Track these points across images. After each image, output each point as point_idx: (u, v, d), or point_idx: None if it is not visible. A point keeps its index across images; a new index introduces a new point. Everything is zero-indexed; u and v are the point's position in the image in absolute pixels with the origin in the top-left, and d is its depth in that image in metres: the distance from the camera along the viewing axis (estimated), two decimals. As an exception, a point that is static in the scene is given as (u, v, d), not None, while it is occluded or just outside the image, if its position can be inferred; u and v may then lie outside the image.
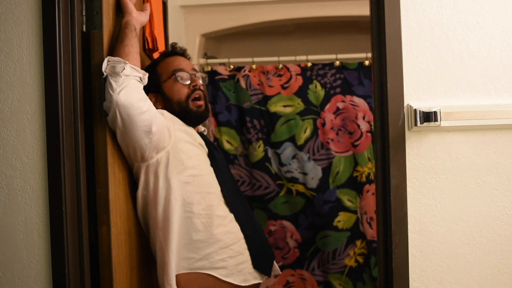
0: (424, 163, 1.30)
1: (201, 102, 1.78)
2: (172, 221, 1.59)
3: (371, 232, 2.91)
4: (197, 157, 1.70)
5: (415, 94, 1.30)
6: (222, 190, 1.71)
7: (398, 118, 1.29)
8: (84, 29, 1.48)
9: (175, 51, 1.88)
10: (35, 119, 1.39)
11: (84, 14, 1.48)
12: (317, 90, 3.01)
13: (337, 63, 3.00)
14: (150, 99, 1.64)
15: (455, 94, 1.31)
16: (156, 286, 1.69)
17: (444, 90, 1.31)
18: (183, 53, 1.89)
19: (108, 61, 1.47)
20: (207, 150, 1.77)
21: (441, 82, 1.31)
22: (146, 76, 1.56)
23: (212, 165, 1.74)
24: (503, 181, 1.31)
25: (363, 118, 2.98)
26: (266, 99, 3.02)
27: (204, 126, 1.93)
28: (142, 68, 1.60)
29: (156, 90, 1.77)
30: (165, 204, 1.61)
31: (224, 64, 3.17)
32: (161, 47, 2.15)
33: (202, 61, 3.29)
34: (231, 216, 1.70)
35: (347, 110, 2.99)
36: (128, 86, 1.46)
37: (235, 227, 1.70)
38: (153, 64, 1.84)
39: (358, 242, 2.94)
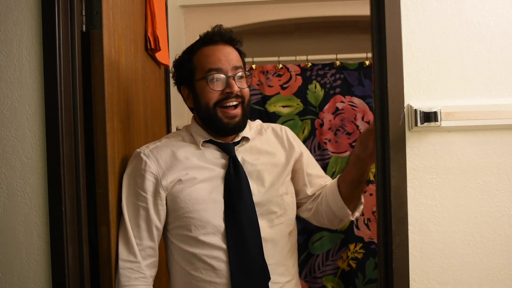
0: (425, 163, 1.30)
1: (235, 112, 1.49)
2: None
3: (368, 233, 2.90)
4: (200, 192, 1.49)
5: (416, 94, 1.30)
6: (226, 229, 1.48)
7: (398, 118, 1.29)
8: (84, 29, 1.48)
9: (215, 37, 1.53)
10: (35, 119, 1.39)
11: (84, 14, 1.47)
12: (316, 91, 3.01)
13: (337, 63, 3.00)
14: (183, 92, 1.58)
15: (456, 94, 1.31)
16: (158, 286, 1.68)
17: (445, 90, 1.31)
18: (227, 38, 1.54)
19: None
20: (223, 170, 1.51)
21: (442, 82, 1.31)
22: None
23: (225, 193, 1.50)
24: (504, 181, 1.31)
25: (362, 118, 2.98)
26: (265, 99, 3.02)
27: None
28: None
29: (189, 85, 1.55)
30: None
31: (223, 64, 3.16)
32: (164, 46, 2.15)
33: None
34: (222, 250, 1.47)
35: (346, 110, 2.99)
36: None
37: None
38: (190, 51, 1.56)
39: (352, 246, 2.93)
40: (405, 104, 1.29)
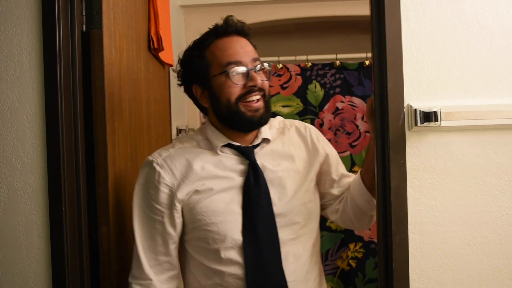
0: (425, 163, 1.30)
1: (258, 105, 1.38)
2: None
3: (368, 233, 2.91)
4: (217, 204, 1.39)
5: (415, 94, 1.30)
6: (243, 242, 1.38)
7: (398, 118, 1.29)
8: (84, 29, 1.48)
9: (229, 28, 1.41)
10: (35, 119, 1.39)
11: (84, 14, 1.48)
12: (316, 91, 3.01)
13: (337, 63, 3.00)
14: (195, 92, 1.44)
15: (456, 94, 1.31)
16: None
17: (445, 90, 1.31)
18: (240, 30, 1.43)
19: None
20: (242, 179, 1.41)
21: (441, 82, 1.31)
22: None
23: (243, 203, 1.40)
24: (504, 181, 1.31)
25: (362, 118, 2.99)
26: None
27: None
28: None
29: (203, 82, 1.42)
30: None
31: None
32: (167, 46, 2.14)
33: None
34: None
35: (346, 110, 2.99)
36: None
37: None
38: (200, 44, 1.43)
39: (352, 246, 2.93)
40: (405, 104, 1.29)
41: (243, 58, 1.37)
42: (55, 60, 1.37)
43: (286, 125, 1.55)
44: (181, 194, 1.38)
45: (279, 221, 1.40)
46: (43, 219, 1.39)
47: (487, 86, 1.31)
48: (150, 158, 1.43)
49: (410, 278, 1.30)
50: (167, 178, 1.38)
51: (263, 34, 3.42)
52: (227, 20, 1.41)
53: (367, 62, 2.96)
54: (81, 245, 1.42)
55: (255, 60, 1.39)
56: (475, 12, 1.30)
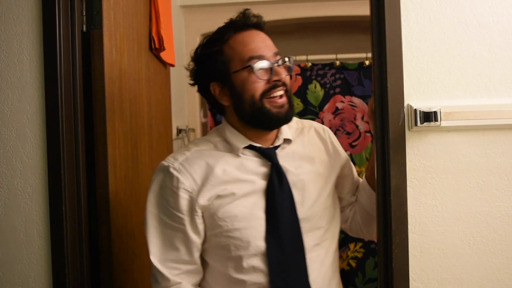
0: (424, 163, 1.30)
1: (283, 101, 1.32)
2: None
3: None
4: (240, 209, 1.31)
5: (415, 94, 1.30)
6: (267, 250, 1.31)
7: (398, 118, 1.29)
8: (84, 29, 1.48)
9: (248, 22, 1.35)
10: (35, 119, 1.39)
11: (84, 14, 1.48)
12: (316, 91, 3.01)
13: (337, 63, 3.01)
14: (213, 90, 1.35)
15: (455, 94, 1.31)
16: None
17: (444, 90, 1.31)
18: (259, 23, 1.36)
19: None
20: (264, 182, 1.33)
21: (441, 82, 1.31)
22: None
23: (267, 208, 1.32)
24: (504, 181, 1.31)
25: (362, 118, 2.99)
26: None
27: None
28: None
29: (222, 79, 1.34)
30: None
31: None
32: (169, 46, 2.14)
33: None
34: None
35: (346, 110, 2.99)
36: None
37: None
38: (218, 40, 1.35)
39: (352, 245, 2.94)
40: (405, 104, 1.30)
41: (265, 52, 1.30)
42: (55, 60, 1.37)
43: (304, 126, 1.49)
44: (202, 200, 1.29)
45: (303, 226, 1.34)
46: (44, 219, 1.39)
47: (487, 86, 1.31)
48: (165, 163, 1.33)
49: (410, 278, 1.30)
50: (186, 183, 1.29)
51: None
52: (246, 14, 1.34)
53: (367, 62, 2.97)
54: (81, 245, 1.42)
55: (276, 54, 1.33)
56: (475, 12, 1.30)
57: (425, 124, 1.27)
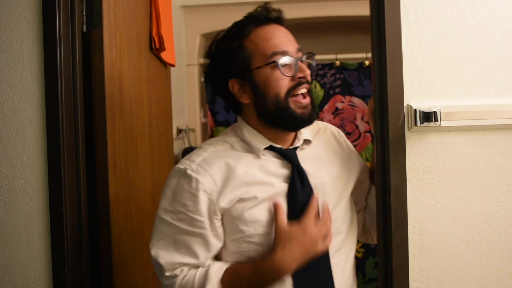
0: (424, 163, 1.31)
1: (307, 101, 1.25)
2: None
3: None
4: (262, 213, 1.24)
5: (415, 94, 1.30)
6: None
7: (398, 118, 1.29)
8: (85, 29, 1.48)
9: (270, 16, 1.28)
10: (36, 119, 1.39)
11: (84, 14, 1.48)
12: (316, 91, 3.01)
13: (337, 63, 3.01)
14: (232, 88, 1.28)
15: (455, 94, 1.31)
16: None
17: (444, 90, 1.31)
18: (280, 18, 1.29)
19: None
20: (285, 185, 1.26)
21: (441, 82, 1.31)
22: None
23: (289, 212, 1.25)
24: (503, 181, 1.31)
25: (362, 118, 2.99)
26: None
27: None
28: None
29: (242, 76, 1.26)
30: None
31: (224, 64, 3.17)
32: (169, 46, 2.14)
33: (202, 61, 3.29)
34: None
35: (346, 110, 2.99)
36: None
37: None
38: (238, 34, 1.27)
39: None
40: (405, 104, 1.30)
41: (289, 48, 1.24)
42: (55, 60, 1.37)
43: (320, 127, 1.44)
44: (223, 202, 1.21)
45: None
46: (44, 219, 1.39)
47: (487, 86, 1.31)
48: (181, 166, 1.25)
49: (410, 278, 1.31)
50: (206, 184, 1.21)
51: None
52: (267, 7, 1.27)
53: (367, 62, 2.97)
54: (81, 245, 1.42)
55: (298, 50, 1.26)
56: (475, 12, 1.31)
57: (425, 124, 1.27)
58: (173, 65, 2.35)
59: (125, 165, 1.64)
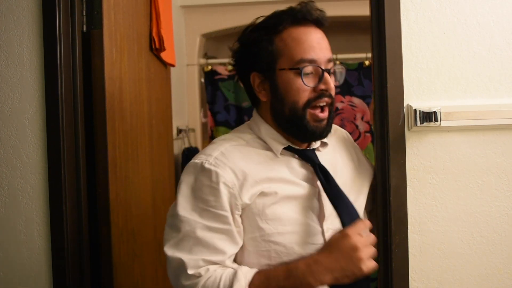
0: (424, 163, 1.31)
1: (325, 115, 1.19)
2: None
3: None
4: (286, 211, 1.18)
5: (415, 94, 1.30)
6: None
7: (398, 118, 1.29)
8: (85, 29, 1.48)
9: (308, 16, 1.20)
10: (36, 119, 1.39)
11: (84, 14, 1.48)
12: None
13: (337, 63, 3.01)
14: (252, 81, 1.23)
15: (455, 94, 1.31)
16: (164, 285, 1.66)
17: (444, 90, 1.31)
18: (320, 20, 1.21)
19: None
20: (308, 185, 1.21)
21: (441, 82, 1.31)
22: None
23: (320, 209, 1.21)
24: (503, 181, 1.31)
25: (362, 118, 2.99)
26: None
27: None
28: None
29: (265, 72, 1.21)
30: None
31: (224, 64, 3.17)
32: (169, 46, 2.14)
33: (202, 61, 3.29)
34: None
35: (346, 110, 2.99)
36: None
37: None
38: (271, 29, 1.20)
39: None
40: (405, 104, 1.30)
41: (319, 56, 1.17)
42: (55, 60, 1.37)
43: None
44: (245, 196, 1.15)
45: None
46: (44, 219, 1.39)
47: (486, 86, 1.31)
48: (197, 161, 1.18)
49: (410, 278, 1.31)
50: (227, 176, 1.14)
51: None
52: (308, 6, 1.19)
53: (367, 62, 2.97)
54: (82, 245, 1.42)
55: (329, 60, 1.20)
56: (475, 12, 1.31)
57: (425, 124, 1.27)
58: (173, 65, 2.35)
59: (125, 165, 1.65)
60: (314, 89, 1.17)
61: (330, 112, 1.21)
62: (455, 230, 1.31)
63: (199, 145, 3.31)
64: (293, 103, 1.18)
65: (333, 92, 1.21)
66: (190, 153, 2.96)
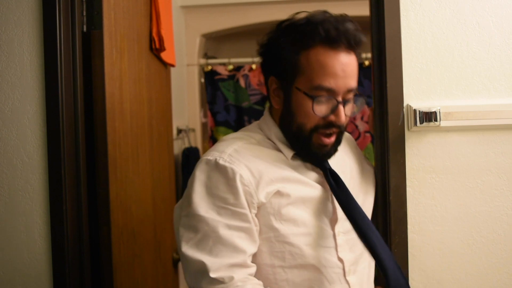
0: (424, 163, 1.31)
1: (330, 141, 1.16)
2: None
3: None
4: (300, 212, 1.16)
5: (415, 94, 1.31)
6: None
7: (397, 118, 1.30)
8: (85, 29, 1.48)
9: (340, 40, 1.12)
10: (36, 119, 1.39)
11: (84, 14, 1.48)
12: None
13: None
14: (270, 84, 1.20)
15: (455, 94, 1.31)
16: (165, 285, 1.66)
17: (444, 90, 1.31)
18: (352, 42, 1.13)
19: None
20: (320, 187, 1.19)
21: (441, 82, 1.31)
22: None
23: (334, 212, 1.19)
24: (503, 181, 1.31)
25: (361, 118, 2.99)
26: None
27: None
28: None
29: (282, 81, 1.17)
30: None
31: (224, 64, 3.18)
32: (169, 46, 2.14)
33: (202, 61, 3.30)
34: None
35: (346, 110, 2.99)
36: None
37: None
38: (300, 43, 1.14)
39: None
40: (405, 104, 1.30)
41: (339, 85, 1.12)
42: (55, 60, 1.37)
43: None
44: (261, 194, 1.12)
45: None
46: (44, 219, 1.39)
47: (486, 86, 1.31)
48: (210, 157, 1.14)
49: (410, 278, 1.31)
50: (243, 173, 1.11)
51: (263, 34, 3.43)
52: (341, 27, 1.12)
53: (366, 63, 2.97)
54: (82, 245, 1.42)
55: (350, 91, 1.15)
56: (474, 12, 1.31)
57: (425, 124, 1.27)
58: (173, 65, 2.35)
59: (125, 165, 1.65)
60: (325, 118, 1.14)
61: (337, 138, 1.18)
62: (455, 230, 1.31)
63: (199, 145, 3.32)
64: (301, 124, 1.15)
65: (345, 122, 1.17)
66: (190, 153, 2.96)
